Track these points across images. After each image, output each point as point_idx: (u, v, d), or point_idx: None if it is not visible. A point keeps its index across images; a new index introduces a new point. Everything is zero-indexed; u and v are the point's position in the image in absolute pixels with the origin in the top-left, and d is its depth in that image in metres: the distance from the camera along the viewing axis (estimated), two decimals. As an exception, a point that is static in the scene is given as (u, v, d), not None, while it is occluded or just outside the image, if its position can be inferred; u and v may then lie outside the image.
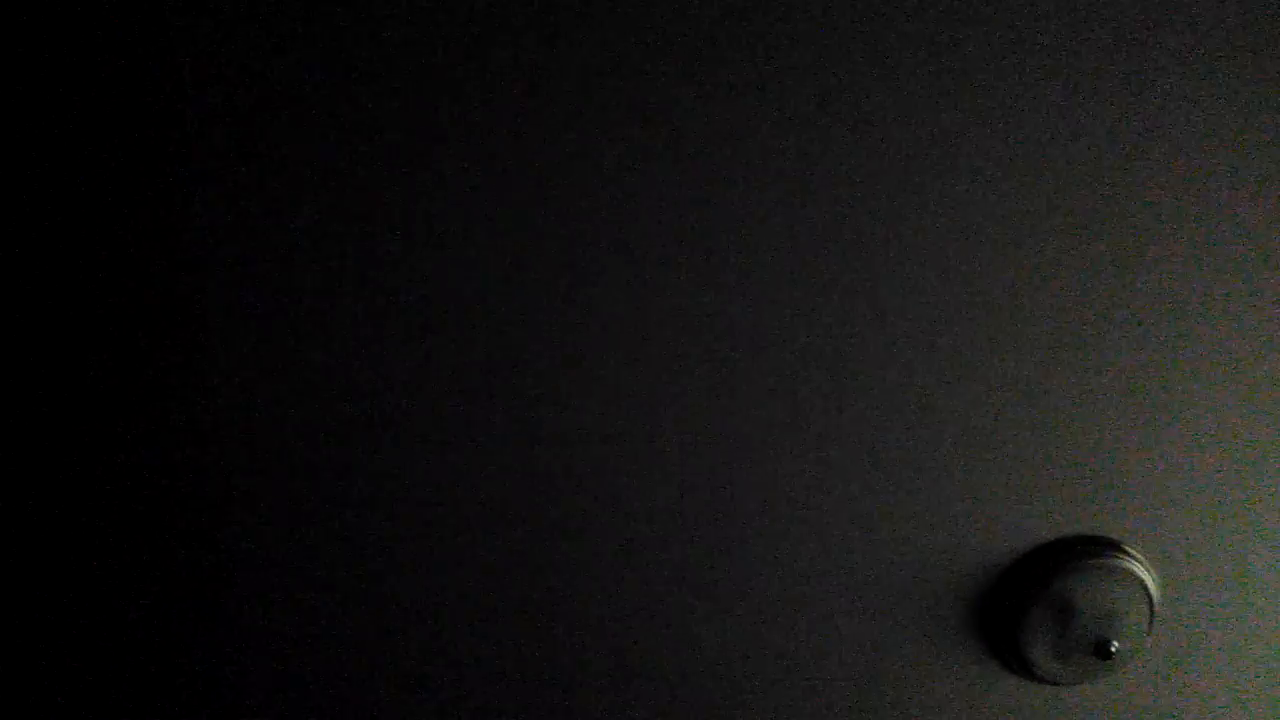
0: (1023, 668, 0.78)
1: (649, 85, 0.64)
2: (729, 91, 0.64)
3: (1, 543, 0.68)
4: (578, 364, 0.69)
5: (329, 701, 0.75)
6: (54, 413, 0.67)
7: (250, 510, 0.70)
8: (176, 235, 0.64)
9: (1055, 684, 0.79)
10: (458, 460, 0.70)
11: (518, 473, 0.71)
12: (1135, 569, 0.76)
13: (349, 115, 0.63)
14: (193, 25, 0.60)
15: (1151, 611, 0.77)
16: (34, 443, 0.67)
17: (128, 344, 0.66)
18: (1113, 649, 0.76)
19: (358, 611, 0.73)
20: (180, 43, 0.60)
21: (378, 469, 0.70)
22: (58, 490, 0.68)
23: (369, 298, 0.66)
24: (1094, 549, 0.76)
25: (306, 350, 0.67)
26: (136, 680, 0.73)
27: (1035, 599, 0.76)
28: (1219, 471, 0.76)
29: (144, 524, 0.69)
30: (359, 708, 0.76)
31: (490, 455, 0.70)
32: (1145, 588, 0.76)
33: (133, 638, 0.72)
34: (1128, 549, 0.77)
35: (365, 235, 0.65)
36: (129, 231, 0.64)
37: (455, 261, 0.66)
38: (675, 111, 0.64)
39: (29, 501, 0.68)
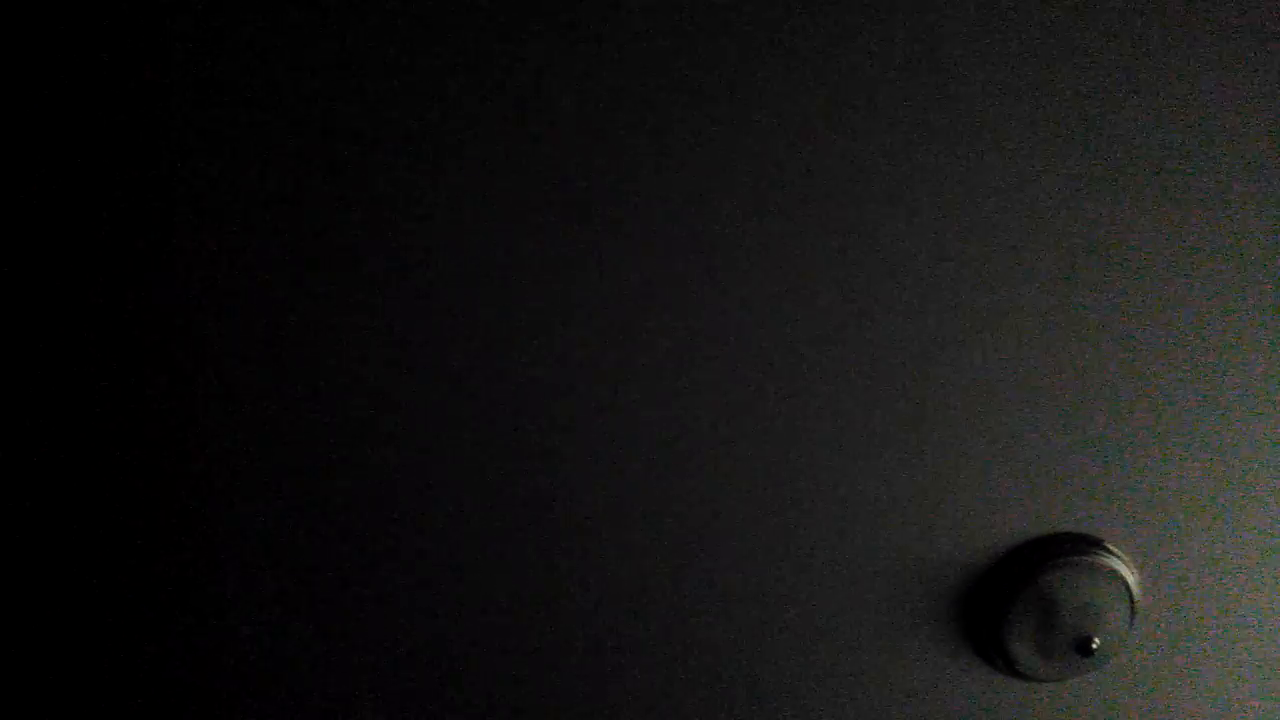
0: (1005, 664, 0.78)
1: (638, 84, 0.64)
2: (718, 91, 0.64)
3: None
4: (567, 363, 0.69)
5: (325, 702, 0.75)
6: (49, 415, 0.66)
7: (242, 512, 0.70)
8: (170, 235, 0.64)
9: (1037, 680, 0.79)
10: (453, 459, 0.70)
11: (509, 472, 0.71)
12: (1116, 566, 0.76)
13: (344, 115, 0.62)
14: (189, 25, 0.60)
15: (1132, 608, 0.78)
16: (29, 444, 0.67)
17: (123, 345, 0.66)
18: (1094, 645, 0.77)
19: (353, 611, 0.73)
20: (175, 42, 0.60)
21: (372, 469, 0.70)
22: (54, 492, 0.68)
23: (365, 297, 0.66)
24: (1075, 546, 0.76)
25: (298, 349, 0.67)
26: (130, 681, 0.72)
27: (1017, 596, 0.76)
28: (1200, 469, 0.77)
29: (139, 525, 0.69)
30: (354, 707, 0.76)
31: (487, 454, 0.70)
32: (1126, 585, 0.77)
33: (128, 639, 0.71)
34: (1109, 546, 0.78)
35: (362, 235, 0.65)
36: (122, 233, 0.64)
37: (451, 260, 0.66)
38: (664, 110, 0.64)
39: (26, 502, 0.68)
